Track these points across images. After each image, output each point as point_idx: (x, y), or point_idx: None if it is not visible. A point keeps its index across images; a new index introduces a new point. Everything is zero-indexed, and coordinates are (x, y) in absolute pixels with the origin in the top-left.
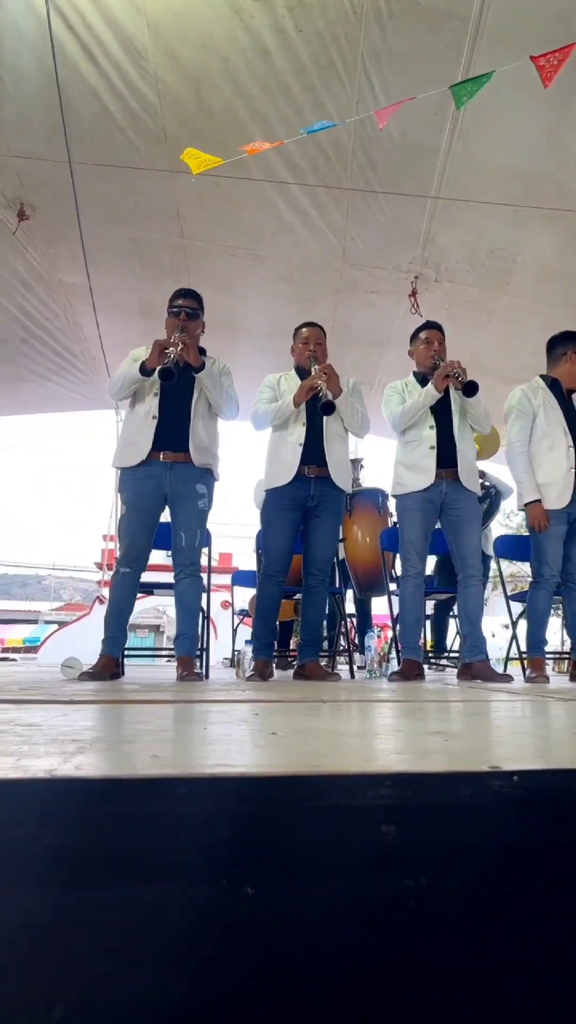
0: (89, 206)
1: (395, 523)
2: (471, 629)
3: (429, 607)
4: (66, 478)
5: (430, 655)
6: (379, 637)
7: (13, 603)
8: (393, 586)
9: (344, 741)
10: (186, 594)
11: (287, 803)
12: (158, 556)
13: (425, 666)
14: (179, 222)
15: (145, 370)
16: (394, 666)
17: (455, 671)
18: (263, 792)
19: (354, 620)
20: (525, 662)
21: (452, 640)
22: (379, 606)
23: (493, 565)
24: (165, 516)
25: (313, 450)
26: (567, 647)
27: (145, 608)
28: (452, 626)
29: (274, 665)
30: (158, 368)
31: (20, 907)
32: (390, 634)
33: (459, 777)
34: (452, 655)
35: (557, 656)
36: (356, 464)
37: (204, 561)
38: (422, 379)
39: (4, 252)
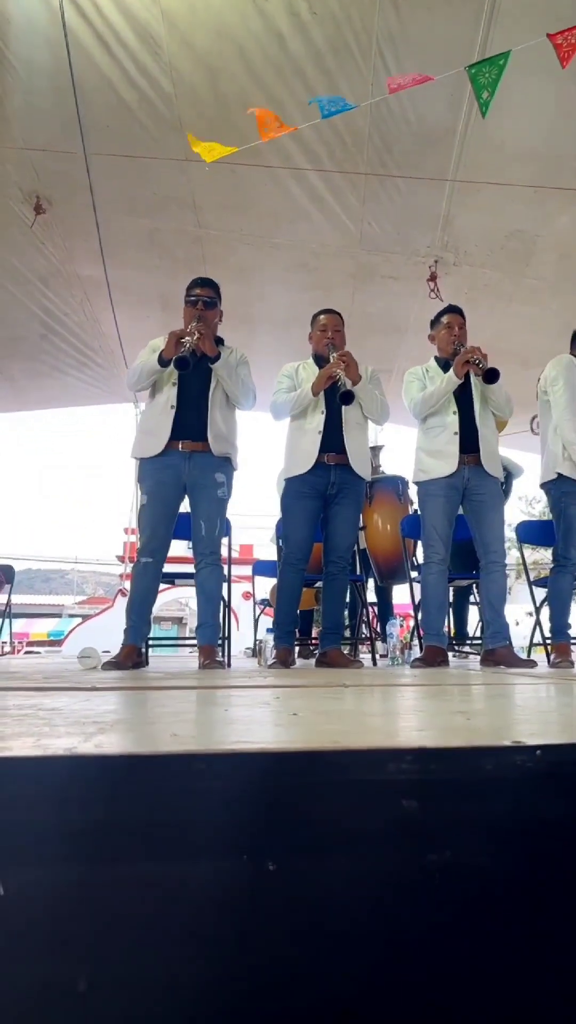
0: (105, 198)
1: (415, 510)
2: (494, 615)
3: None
4: (87, 473)
5: (453, 642)
6: (402, 626)
7: (37, 597)
8: (414, 574)
9: (365, 720)
10: (207, 583)
11: (308, 778)
12: (179, 547)
13: (448, 653)
14: (195, 212)
15: (163, 360)
16: (416, 653)
17: (478, 658)
18: (284, 767)
19: (375, 608)
20: (549, 648)
21: (475, 628)
22: (401, 596)
23: (514, 551)
24: (185, 506)
25: (332, 438)
26: None
27: (168, 600)
28: (472, 613)
29: (296, 653)
30: (174, 358)
31: (41, 883)
32: (412, 622)
33: (482, 752)
34: (475, 642)
35: None
36: (376, 451)
37: (224, 552)
38: (443, 364)
39: (22, 247)
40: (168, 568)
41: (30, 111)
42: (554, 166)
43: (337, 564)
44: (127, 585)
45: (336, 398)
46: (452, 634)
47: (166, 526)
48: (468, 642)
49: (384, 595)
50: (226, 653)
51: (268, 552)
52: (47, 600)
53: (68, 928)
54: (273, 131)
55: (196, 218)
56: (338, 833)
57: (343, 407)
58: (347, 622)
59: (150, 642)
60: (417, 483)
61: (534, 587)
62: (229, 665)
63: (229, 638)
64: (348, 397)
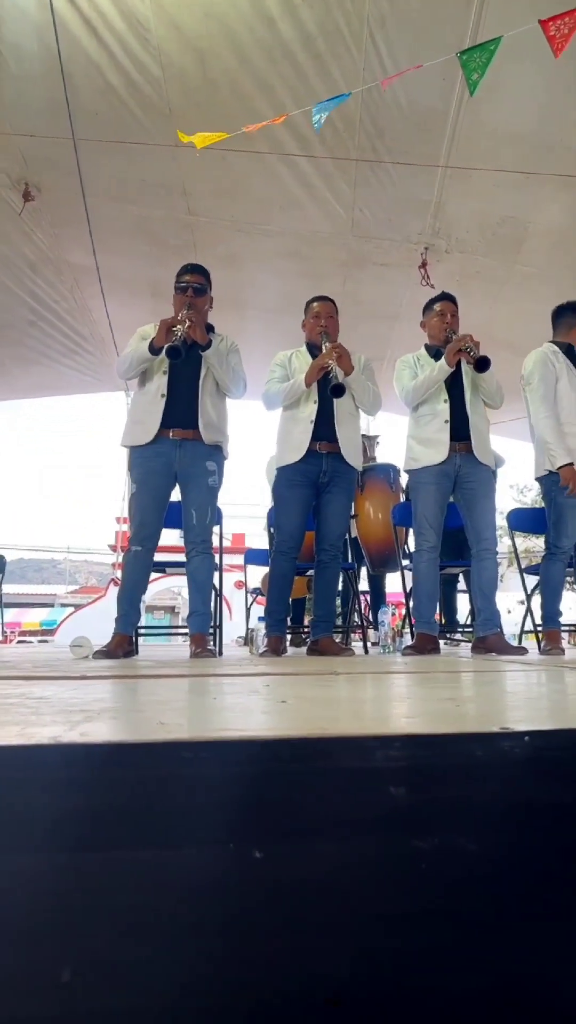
0: (94, 184)
1: (407, 498)
2: (485, 603)
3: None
4: (79, 461)
5: (444, 630)
6: (394, 615)
7: (29, 587)
8: (406, 562)
9: (354, 707)
10: (198, 571)
11: (295, 765)
12: (171, 536)
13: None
14: (185, 198)
15: (153, 349)
16: (407, 641)
17: (469, 645)
18: (270, 754)
19: (367, 597)
20: (540, 635)
21: (465, 616)
22: (393, 584)
23: (506, 540)
24: (175, 496)
25: (324, 427)
26: None
27: (160, 589)
28: (461, 601)
29: (288, 641)
30: (165, 347)
31: (25, 871)
32: (403, 611)
33: (470, 738)
34: (466, 630)
35: (573, 628)
36: (372, 441)
37: (215, 541)
38: (435, 352)
39: (10, 234)
40: (159, 557)
41: (17, 97)
42: (546, 152)
43: (329, 552)
44: (119, 574)
45: (328, 390)
46: (442, 622)
47: (156, 515)
48: (459, 630)
49: (376, 583)
50: (217, 642)
51: (260, 541)
52: (39, 590)
53: (52, 916)
54: (264, 120)
55: (186, 204)
56: (325, 820)
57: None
58: (339, 610)
59: (141, 631)
60: (408, 471)
61: (525, 575)
62: (221, 653)
63: (221, 627)
64: (339, 390)
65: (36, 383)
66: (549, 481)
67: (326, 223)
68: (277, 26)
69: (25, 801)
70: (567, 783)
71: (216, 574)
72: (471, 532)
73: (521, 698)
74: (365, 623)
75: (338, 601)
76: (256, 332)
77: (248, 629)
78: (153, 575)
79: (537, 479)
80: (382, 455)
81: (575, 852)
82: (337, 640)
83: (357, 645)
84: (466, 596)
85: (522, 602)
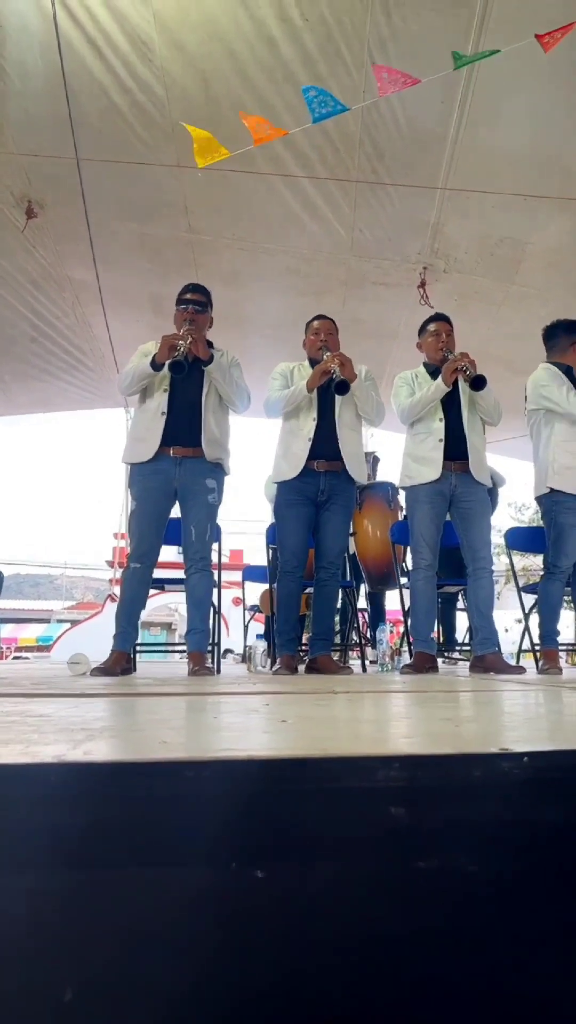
0: (97, 202)
1: (405, 516)
2: (483, 622)
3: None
4: (77, 477)
5: (442, 648)
6: (392, 632)
7: (26, 602)
8: (404, 580)
9: (354, 727)
10: (197, 589)
11: (296, 785)
12: (169, 552)
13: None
14: (187, 216)
15: (155, 364)
16: (406, 659)
17: (467, 664)
18: (271, 774)
19: (365, 614)
20: (538, 654)
21: (463, 634)
22: (392, 602)
23: (503, 558)
24: (175, 512)
25: (324, 444)
26: None
27: (157, 606)
28: (461, 619)
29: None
30: (168, 362)
31: (29, 890)
32: (402, 628)
33: (469, 759)
34: (463, 648)
35: (571, 648)
36: (372, 460)
37: (214, 557)
38: (433, 370)
39: (13, 250)
40: (158, 573)
41: (22, 116)
42: (544, 174)
43: (328, 570)
44: (117, 590)
45: (331, 397)
46: (441, 640)
47: (156, 532)
48: (457, 648)
49: (376, 601)
50: (215, 659)
51: (258, 557)
52: (36, 605)
53: (56, 936)
54: (265, 134)
55: (188, 222)
56: (326, 841)
57: (337, 410)
58: (337, 628)
59: (138, 648)
60: (404, 488)
61: (523, 593)
62: (219, 671)
63: (219, 644)
64: (343, 387)
65: (36, 399)
66: (550, 500)
67: (326, 242)
68: (279, 48)
69: (30, 819)
70: (566, 804)
71: (214, 591)
72: (467, 551)
73: (519, 718)
74: (363, 641)
75: (336, 618)
76: (256, 349)
77: (246, 646)
78: (151, 591)
79: (537, 498)
80: (383, 474)
81: (573, 873)
82: (335, 658)
83: (355, 663)
84: (465, 614)
85: (519, 620)
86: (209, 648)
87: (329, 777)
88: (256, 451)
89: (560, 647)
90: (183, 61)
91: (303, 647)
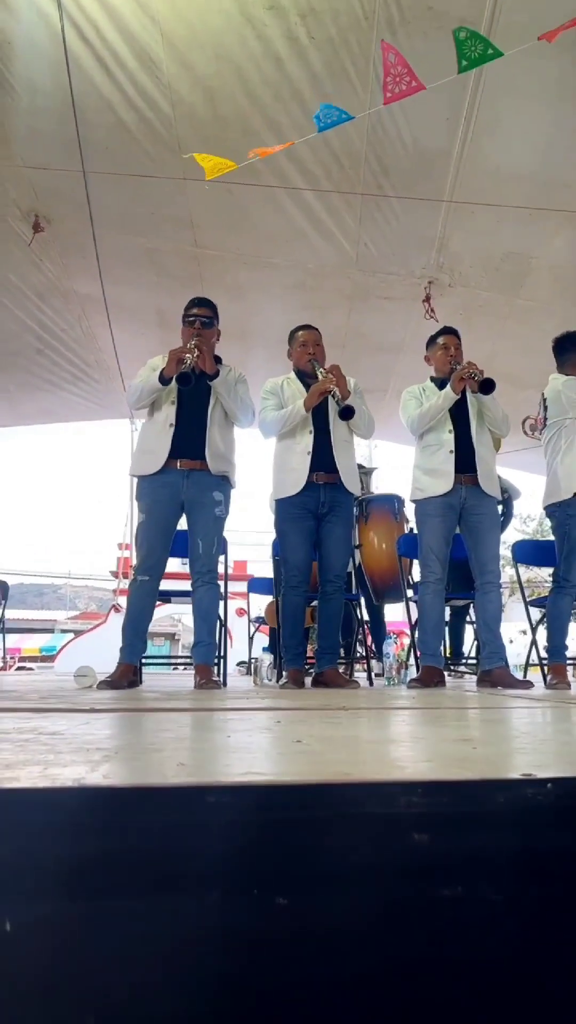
0: (103, 217)
1: (412, 529)
2: (490, 636)
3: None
4: (81, 487)
5: (449, 662)
6: (396, 644)
7: (29, 612)
8: (410, 593)
9: (371, 749)
10: (203, 601)
11: (318, 812)
12: (174, 564)
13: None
14: (193, 231)
15: (163, 379)
16: (413, 673)
17: (474, 678)
18: (294, 800)
19: (367, 627)
20: (545, 668)
21: (470, 647)
22: (393, 614)
23: (509, 570)
24: (182, 524)
25: (322, 457)
26: None
27: (161, 616)
28: (468, 632)
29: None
30: (176, 374)
31: (50, 918)
32: (406, 641)
33: (492, 784)
34: (470, 662)
35: None
36: (369, 473)
37: (220, 569)
38: (440, 383)
39: (19, 264)
40: (163, 585)
41: (30, 131)
42: (549, 188)
43: (334, 584)
44: (121, 601)
45: (325, 412)
46: (448, 654)
47: (163, 544)
48: (464, 662)
49: (376, 614)
50: (222, 672)
51: (263, 569)
52: (39, 615)
53: (74, 964)
54: (268, 148)
55: (193, 237)
56: (349, 867)
57: (331, 426)
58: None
59: (143, 661)
60: (414, 501)
61: (530, 607)
62: (225, 684)
63: (225, 657)
64: (348, 412)
65: (41, 409)
66: (563, 513)
67: (331, 256)
68: (285, 66)
69: (50, 844)
70: None
71: (221, 604)
72: (475, 564)
73: (536, 739)
74: (369, 654)
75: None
76: (261, 363)
77: (251, 659)
78: (158, 602)
79: (548, 509)
80: (382, 486)
81: None
82: (341, 670)
83: (360, 675)
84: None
85: (524, 632)
86: (216, 661)
87: (351, 803)
88: (263, 463)
89: (569, 662)
90: (190, 79)
91: (309, 660)
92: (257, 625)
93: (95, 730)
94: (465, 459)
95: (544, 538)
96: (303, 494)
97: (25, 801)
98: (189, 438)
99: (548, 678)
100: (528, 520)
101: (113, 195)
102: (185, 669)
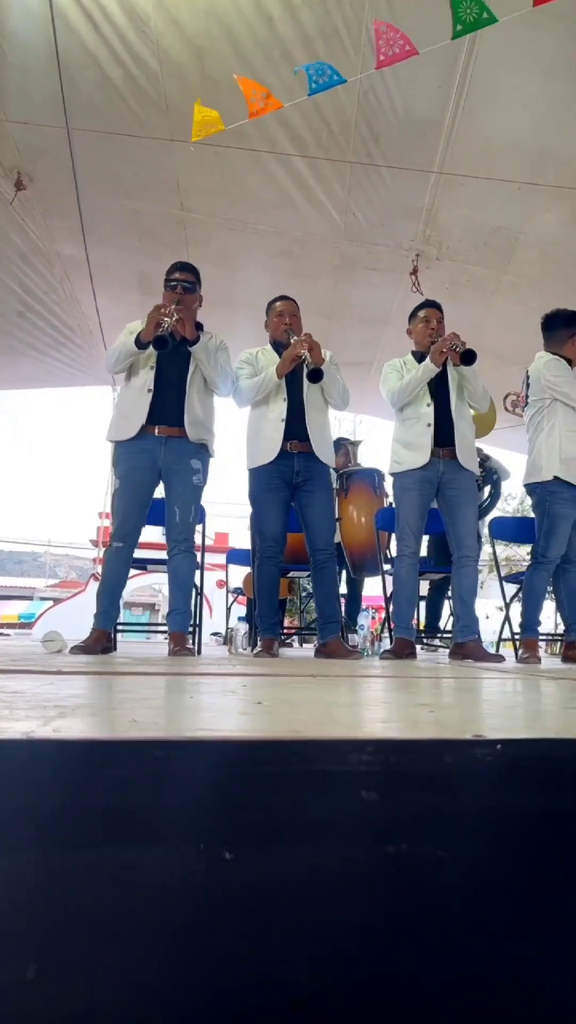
0: (88, 177)
1: (391, 503)
2: (464, 609)
3: (424, 587)
4: (62, 454)
5: (423, 635)
6: (374, 618)
7: (9, 579)
8: (388, 566)
9: (330, 711)
10: (179, 570)
11: (268, 768)
12: (153, 532)
13: (417, 646)
14: (179, 194)
15: (140, 342)
16: (387, 645)
17: (447, 651)
18: (243, 756)
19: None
20: (517, 644)
21: (446, 621)
22: (371, 587)
23: (488, 547)
24: (159, 492)
25: (295, 425)
26: (560, 629)
27: (140, 586)
28: (447, 606)
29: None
30: (152, 338)
31: None
32: (384, 614)
33: (442, 744)
34: (445, 635)
35: (550, 638)
36: (355, 446)
37: (197, 539)
38: (420, 358)
39: (1, 223)
40: (140, 554)
41: (13, 86)
42: (539, 163)
43: (324, 552)
44: (100, 569)
45: (301, 379)
46: (422, 627)
47: (139, 511)
48: (439, 635)
49: (354, 588)
50: (197, 640)
51: (243, 540)
52: (18, 582)
53: (19, 913)
54: (259, 107)
55: (180, 200)
56: (297, 824)
57: (305, 394)
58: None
59: (120, 627)
60: (392, 475)
61: (505, 583)
62: (199, 652)
63: (200, 625)
64: (316, 375)
65: (22, 374)
66: (544, 490)
67: (319, 225)
68: (276, 27)
69: None
70: (539, 792)
71: (197, 573)
72: (452, 538)
73: (497, 706)
74: (345, 626)
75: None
76: (246, 330)
77: (228, 629)
78: (134, 571)
79: (528, 487)
80: (365, 460)
81: (544, 861)
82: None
83: None
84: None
85: (501, 608)
86: (190, 629)
87: (301, 760)
88: (244, 433)
89: (540, 637)
90: (179, 37)
91: (285, 630)
92: (235, 596)
93: (58, 690)
94: (444, 433)
95: (525, 515)
96: (277, 463)
97: None
98: (168, 404)
99: (520, 652)
100: (509, 498)
101: (98, 154)
102: (165, 638)
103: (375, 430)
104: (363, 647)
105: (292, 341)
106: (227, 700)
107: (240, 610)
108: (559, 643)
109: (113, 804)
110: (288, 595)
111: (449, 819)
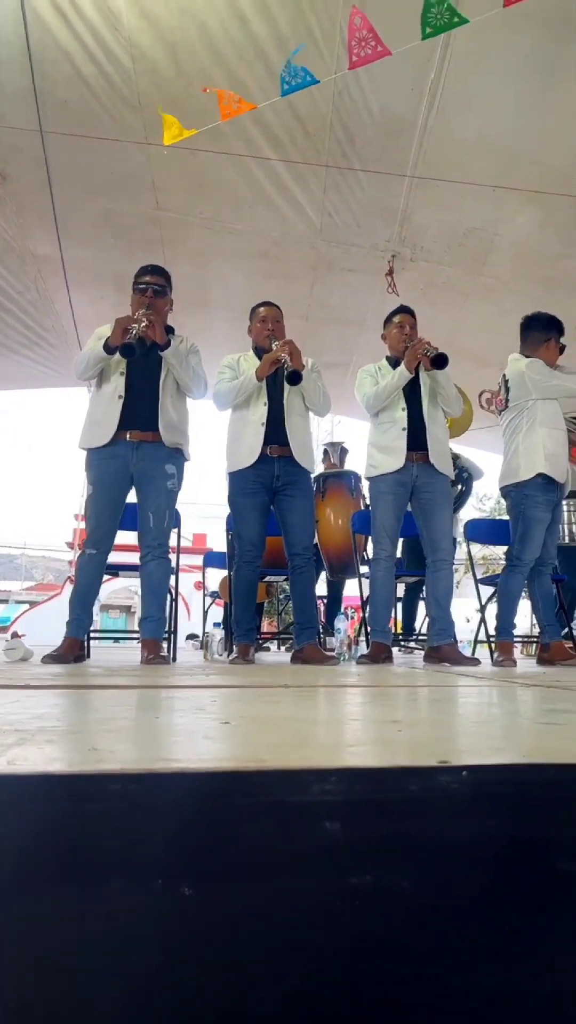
0: (61, 174)
1: (367, 506)
2: (440, 612)
3: (400, 590)
4: (39, 456)
5: (399, 637)
6: (352, 619)
7: None
8: (364, 569)
9: (298, 731)
10: (153, 576)
11: (227, 799)
12: (128, 537)
13: (394, 649)
14: (154, 193)
15: (109, 348)
16: (363, 649)
17: (423, 653)
18: (203, 788)
19: (324, 602)
20: (493, 646)
21: (421, 623)
22: (349, 587)
23: (464, 548)
24: (133, 497)
25: (275, 430)
26: (536, 630)
27: (117, 589)
28: (422, 609)
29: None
30: (119, 345)
31: None
32: (361, 616)
33: (408, 772)
34: (421, 638)
35: (525, 640)
36: (340, 451)
37: (173, 542)
38: (395, 363)
39: None
40: (115, 559)
41: None
42: (513, 165)
43: (303, 556)
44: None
45: (281, 383)
46: (398, 629)
47: (111, 517)
48: (415, 638)
49: (334, 590)
50: (171, 647)
51: (221, 543)
52: None
53: None
54: (233, 109)
55: (155, 199)
56: (258, 857)
57: (285, 398)
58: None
59: (95, 633)
60: (368, 478)
61: (480, 585)
62: (174, 659)
63: (175, 632)
64: (295, 377)
65: None
66: (519, 494)
67: (295, 225)
68: (250, 26)
69: None
70: (505, 819)
71: (172, 578)
72: (427, 542)
73: (468, 722)
74: (322, 630)
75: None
76: (221, 331)
77: (204, 633)
78: (107, 576)
79: (503, 490)
80: (351, 464)
81: (509, 890)
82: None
83: None
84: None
85: (478, 610)
86: (165, 636)
87: (262, 791)
88: (224, 435)
89: (515, 640)
90: (152, 33)
91: (262, 635)
92: (212, 599)
93: (24, 708)
94: (417, 437)
95: (501, 517)
96: (257, 467)
97: None
98: (140, 409)
99: (495, 655)
100: (485, 499)
101: (72, 152)
102: (138, 643)
103: (351, 434)
104: (340, 651)
105: (273, 346)
106: (194, 719)
107: (218, 613)
108: (534, 645)
109: (66, 840)
110: (266, 598)
111: (414, 849)
